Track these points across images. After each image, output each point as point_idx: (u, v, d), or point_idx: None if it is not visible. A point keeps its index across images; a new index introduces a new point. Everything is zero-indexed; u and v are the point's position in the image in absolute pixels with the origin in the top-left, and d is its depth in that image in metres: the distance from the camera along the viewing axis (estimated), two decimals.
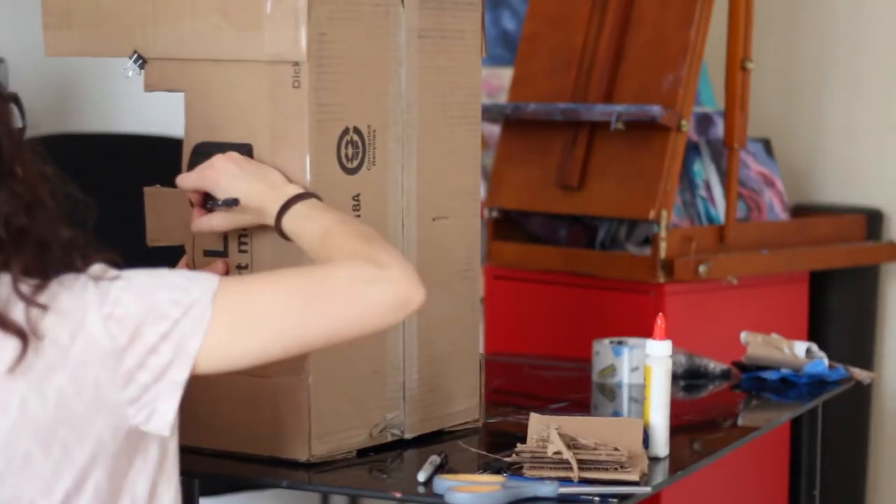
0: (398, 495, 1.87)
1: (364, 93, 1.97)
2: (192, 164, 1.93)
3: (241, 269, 1.94)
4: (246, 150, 1.91)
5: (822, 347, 2.63)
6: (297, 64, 1.88)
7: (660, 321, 2.02)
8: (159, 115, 3.75)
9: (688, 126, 2.88)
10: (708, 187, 3.12)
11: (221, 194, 1.86)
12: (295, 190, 1.84)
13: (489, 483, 1.82)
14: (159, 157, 3.38)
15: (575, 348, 2.80)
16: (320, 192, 1.87)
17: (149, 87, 1.99)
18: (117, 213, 3.32)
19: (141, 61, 1.97)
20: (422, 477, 1.86)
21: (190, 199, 1.92)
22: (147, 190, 2.02)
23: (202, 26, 1.93)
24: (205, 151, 1.93)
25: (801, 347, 2.58)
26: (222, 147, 1.91)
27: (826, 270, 3.28)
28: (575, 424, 1.91)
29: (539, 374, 2.85)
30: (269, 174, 1.87)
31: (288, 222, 1.82)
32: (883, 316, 3.46)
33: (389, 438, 2.03)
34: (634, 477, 1.85)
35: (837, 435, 3.25)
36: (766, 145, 3.29)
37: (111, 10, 1.99)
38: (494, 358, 2.99)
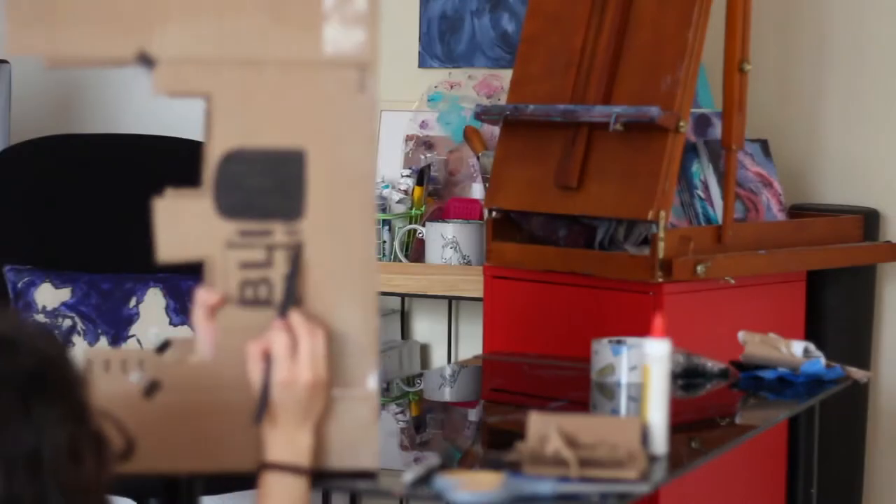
0: (398, 495, 1.88)
1: None
2: (224, 172, 1.82)
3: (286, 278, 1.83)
4: (297, 156, 1.82)
5: (819, 347, 2.64)
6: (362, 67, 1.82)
7: (658, 321, 2.03)
8: (162, 115, 3.77)
9: (686, 127, 2.90)
10: (706, 188, 3.13)
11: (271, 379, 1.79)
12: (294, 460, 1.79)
13: (489, 481, 1.83)
14: (162, 158, 3.41)
15: (574, 348, 2.81)
16: None
17: (160, 91, 1.83)
18: (119, 213, 3.34)
19: (149, 63, 1.81)
20: (421, 475, 1.87)
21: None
22: (158, 201, 1.83)
23: (240, 25, 1.81)
24: (241, 159, 1.82)
25: (798, 347, 2.59)
26: (261, 154, 1.82)
27: (823, 270, 3.29)
28: (574, 423, 1.92)
29: (538, 373, 2.86)
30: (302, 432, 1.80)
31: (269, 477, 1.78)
32: (879, 315, 3.47)
33: None
34: (633, 475, 1.86)
35: (834, 433, 3.26)
36: (764, 146, 3.31)
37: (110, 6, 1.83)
38: (494, 357, 3.01)
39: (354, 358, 1.83)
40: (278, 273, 1.83)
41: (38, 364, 1.46)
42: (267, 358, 1.78)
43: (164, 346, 1.85)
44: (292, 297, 1.80)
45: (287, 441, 1.79)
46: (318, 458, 1.83)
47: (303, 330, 1.78)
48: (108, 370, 1.85)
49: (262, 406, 1.79)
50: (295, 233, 1.82)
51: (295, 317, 1.79)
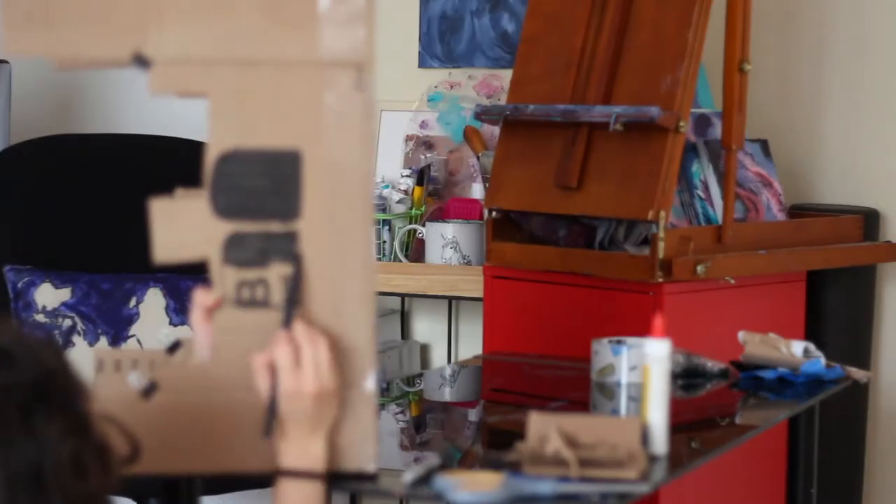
0: (398, 495, 1.88)
1: None
2: (220, 172, 1.82)
3: (287, 281, 1.83)
4: (294, 156, 1.83)
5: (819, 347, 2.64)
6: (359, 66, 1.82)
7: (658, 321, 2.03)
8: (162, 115, 3.77)
9: (686, 127, 2.90)
10: (706, 188, 3.13)
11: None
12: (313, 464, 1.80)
13: (489, 481, 1.83)
14: (162, 158, 3.41)
15: (574, 348, 2.81)
16: None
17: (156, 92, 1.83)
18: (119, 213, 3.34)
19: (145, 63, 1.80)
20: (421, 475, 1.87)
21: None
22: (154, 202, 1.82)
23: (235, 25, 1.81)
24: (237, 159, 1.82)
25: (798, 347, 2.60)
26: (257, 154, 1.82)
27: (823, 270, 3.29)
28: (574, 423, 1.92)
29: (538, 373, 2.87)
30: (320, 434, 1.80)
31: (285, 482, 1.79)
32: (879, 315, 3.47)
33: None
34: (633, 475, 1.87)
35: (834, 433, 3.26)
36: (764, 146, 3.31)
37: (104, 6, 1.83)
38: (494, 357, 3.01)
39: (352, 358, 1.83)
40: (275, 273, 1.83)
41: (38, 377, 1.46)
42: (272, 370, 1.78)
43: (174, 347, 1.85)
44: (295, 307, 1.80)
45: (300, 450, 1.79)
46: (332, 461, 1.83)
47: (305, 339, 1.78)
48: (118, 370, 1.86)
49: (271, 418, 1.79)
50: (292, 233, 1.83)
51: (297, 326, 1.79)
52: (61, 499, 1.43)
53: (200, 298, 1.82)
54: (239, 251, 1.82)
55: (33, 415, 1.43)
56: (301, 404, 1.77)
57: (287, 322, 1.79)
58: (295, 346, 1.78)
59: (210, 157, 1.82)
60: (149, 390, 1.84)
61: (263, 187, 1.82)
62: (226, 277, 1.82)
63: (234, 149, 1.82)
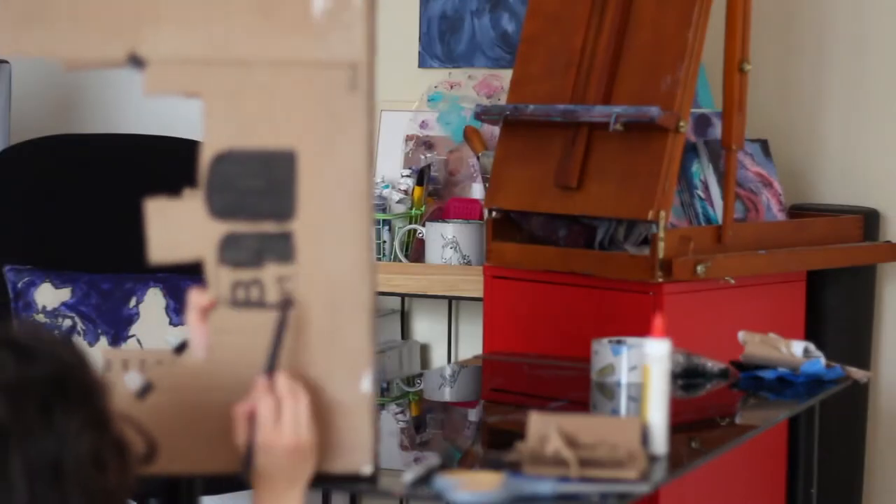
0: (398, 495, 1.88)
1: None
2: (215, 172, 1.82)
3: (282, 281, 1.84)
4: (288, 156, 1.83)
5: (819, 347, 2.64)
6: (353, 66, 1.82)
7: (658, 321, 2.03)
8: (162, 115, 3.77)
9: (686, 127, 2.90)
10: (706, 188, 3.13)
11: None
12: None
13: (489, 481, 1.83)
14: (162, 158, 3.41)
15: (574, 348, 2.81)
16: None
17: (150, 92, 1.83)
18: (119, 213, 3.34)
19: (140, 64, 1.81)
20: (421, 475, 1.87)
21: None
22: (150, 202, 1.82)
23: (230, 25, 1.81)
24: (232, 160, 1.82)
25: (798, 347, 2.60)
26: (252, 155, 1.82)
27: (823, 270, 3.29)
28: (574, 423, 1.92)
29: (538, 373, 2.87)
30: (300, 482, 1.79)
31: None
32: (879, 315, 3.47)
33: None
34: (633, 475, 1.87)
35: (834, 433, 3.26)
36: (764, 146, 3.31)
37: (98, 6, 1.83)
38: (494, 357, 3.01)
39: (348, 359, 1.82)
40: (270, 274, 1.83)
41: (57, 372, 1.46)
42: (252, 420, 1.78)
43: (182, 347, 1.85)
44: (277, 359, 1.80)
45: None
46: (327, 464, 1.83)
47: (286, 393, 1.78)
48: (126, 370, 1.86)
49: (247, 467, 1.79)
50: (286, 233, 1.83)
51: (280, 379, 1.79)
52: (80, 492, 1.44)
53: (195, 299, 1.82)
54: (234, 252, 1.82)
55: (53, 409, 1.44)
56: (276, 457, 1.77)
57: (269, 368, 1.79)
58: (277, 398, 1.77)
59: (205, 158, 1.82)
60: (144, 390, 1.84)
61: (258, 187, 1.83)
62: (221, 278, 1.83)
63: (229, 149, 1.82)
